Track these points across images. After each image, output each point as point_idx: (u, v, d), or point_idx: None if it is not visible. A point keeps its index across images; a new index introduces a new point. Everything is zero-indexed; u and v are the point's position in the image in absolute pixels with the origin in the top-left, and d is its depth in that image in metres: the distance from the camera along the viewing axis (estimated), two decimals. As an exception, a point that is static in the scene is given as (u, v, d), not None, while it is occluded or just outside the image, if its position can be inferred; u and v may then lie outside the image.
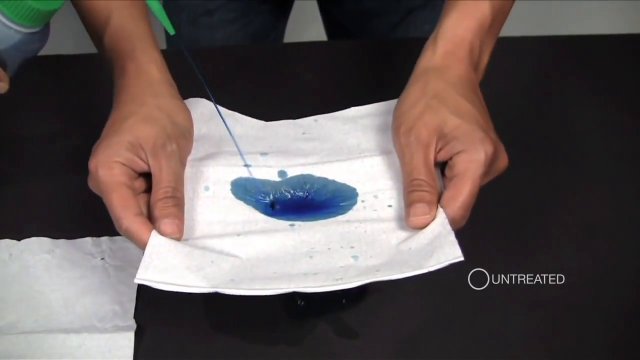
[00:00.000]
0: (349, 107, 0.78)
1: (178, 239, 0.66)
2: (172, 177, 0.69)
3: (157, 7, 0.69)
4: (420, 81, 0.72)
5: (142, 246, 0.66)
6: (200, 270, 0.62)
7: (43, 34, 0.69)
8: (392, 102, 0.74)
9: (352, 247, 0.65)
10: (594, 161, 0.86)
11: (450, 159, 0.68)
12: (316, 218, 0.68)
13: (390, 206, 0.69)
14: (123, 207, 0.67)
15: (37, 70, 0.88)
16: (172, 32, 0.69)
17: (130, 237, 0.67)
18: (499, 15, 0.75)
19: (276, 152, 0.73)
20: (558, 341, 0.70)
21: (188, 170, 0.70)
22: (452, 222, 0.66)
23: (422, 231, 0.65)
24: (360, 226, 0.67)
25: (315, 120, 0.77)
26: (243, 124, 0.77)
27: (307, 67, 0.98)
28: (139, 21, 0.78)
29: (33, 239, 0.82)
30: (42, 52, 0.73)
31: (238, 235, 0.67)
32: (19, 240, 0.82)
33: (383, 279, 0.60)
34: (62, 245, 0.82)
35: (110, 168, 0.68)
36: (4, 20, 0.66)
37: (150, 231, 0.66)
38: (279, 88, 0.95)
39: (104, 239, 0.82)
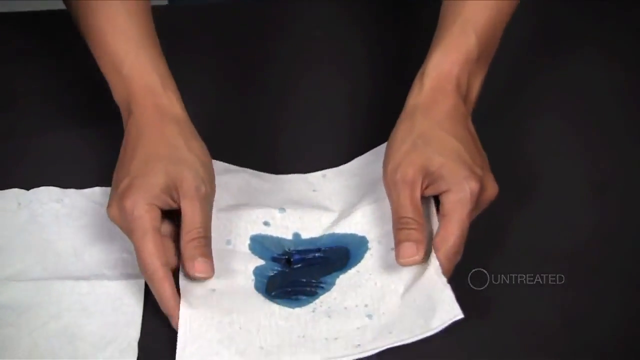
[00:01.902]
0: (358, 65, 0.85)
1: (208, 278, 0.71)
2: (205, 218, 0.72)
3: None
4: (407, 120, 0.74)
5: (158, 295, 0.70)
6: (231, 342, 0.69)
7: None
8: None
9: (366, 306, 0.71)
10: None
11: (439, 197, 0.71)
12: (331, 275, 0.74)
13: (392, 249, 0.73)
14: (155, 254, 0.70)
15: (39, 24, 0.92)
16: None
17: (152, 284, 0.70)
18: (488, 44, 0.77)
19: (292, 211, 0.78)
20: (559, 342, 0.72)
21: (211, 223, 0.74)
22: (448, 262, 0.70)
23: (422, 278, 0.70)
24: (371, 278, 0.73)
25: (324, 176, 0.82)
26: (257, 177, 0.81)
27: (317, 24, 0.99)
28: (160, 57, 0.78)
29: (42, 188, 0.83)
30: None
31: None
32: (27, 189, 0.83)
33: (397, 344, 0.67)
34: (71, 194, 0.83)
35: (147, 211, 0.70)
36: None
37: (171, 283, 0.70)
38: (289, 45, 0.95)
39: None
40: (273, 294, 0.73)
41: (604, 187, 0.83)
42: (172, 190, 0.72)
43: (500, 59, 0.80)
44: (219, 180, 0.76)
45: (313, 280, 0.74)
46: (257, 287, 0.73)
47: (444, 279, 0.69)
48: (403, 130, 0.74)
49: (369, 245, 0.75)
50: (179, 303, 0.70)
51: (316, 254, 0.75)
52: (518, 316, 0.73)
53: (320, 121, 0.89)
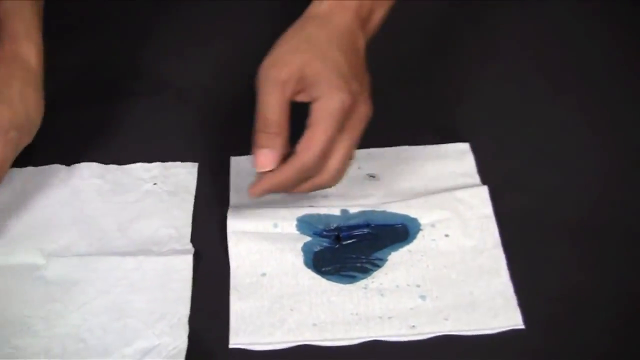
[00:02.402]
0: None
1: None
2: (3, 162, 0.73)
3: None
4: (298, 24, 0.72)
5: None
6: (284, 323, 0.68)
7: None
8: (442, 147, 0.80)
9: (418, 286, 0.70)
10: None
11: (309, 105, 0.69)
12: (382, 251, 0.73)
13: (447, 236, 0.73)
14: None
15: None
16: None
17: None
18: None
19: (337, 195, 0.77)
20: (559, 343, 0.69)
21: (258, 211, 0.74)
22: (301, 171, 0.69)
23: (483, 275, 0.70)
24: (423, 259, 0.72)
25: (369, 154, 0.81)
26: None
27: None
28: (30, 6, 0.79)
29: (82, 164, 0.83)
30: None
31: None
32: (66, 165, 0.82)
33: (452, 333, 0.67)
34: (112, 170, 0.82)
35: None
36: None
37: None
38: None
39: (155, 164, 0.82)
40: (323, 270, 0.72)
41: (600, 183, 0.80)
42: None
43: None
44: None
45: (363, 257, 0.72)
46: (307, 263, 0.72)
47: (512, 291, 0.69)
48: (290, 34, 0.72)
49: (421, 227, 0.74)
50: None
51: (365, 230, 0.74)
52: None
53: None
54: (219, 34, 0.96)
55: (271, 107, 0.69)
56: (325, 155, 0.69)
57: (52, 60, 0.92)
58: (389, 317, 0.68)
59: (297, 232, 0.74)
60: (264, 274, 0.72)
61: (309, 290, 0.71)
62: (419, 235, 0.74)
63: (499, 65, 0.90)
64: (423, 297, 0.70)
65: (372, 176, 0.79)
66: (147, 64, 0.91)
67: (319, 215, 0.75)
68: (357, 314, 0.69)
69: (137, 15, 0.99)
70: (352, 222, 0.75)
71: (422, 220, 0.74)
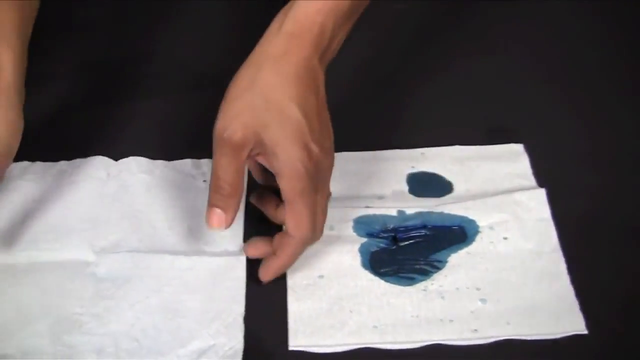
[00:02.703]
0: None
1: None
2: None
3: None
4: (253, 67, 0.68)
5: None
6: (344, 325, 0.68)
7: None
8: (495, 148, 0.80)
9: (478, 289, 0.70)
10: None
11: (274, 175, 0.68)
12: (441, 253, 0.72)
13: (505, 238, 0.73)
14: None
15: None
16: None
17: None
18: (360, 2, 0.71)
19: (392, 195, 0.76)
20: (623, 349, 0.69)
21: None
22: (306, 244, 0.69)
23: (543, 279, 0.70)
24: (482, 262, 0.71)
25: (422, 154, 0.80)
26: (354, 160, 0.80)
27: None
28: (9, 9, 0.73)
29: (130, 158, 0.81)
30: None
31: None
32: (116, 160, 0.81)
33: (514, 337, 0.66)
34: (160, 166, 0.81)
35: None
36: None
37: None
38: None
39: (205, 161, 0.80)
40: (381, 271, 0.71)
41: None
42: None
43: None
44: None
45: (421, 258, 0.72)
46: (364, 265, 0.72)
47: (573, 295, 0.69)
48: (244, 81, 0.68)
49: (480, 229, 0.73)
50: None
51: (422, 231, 0.74)
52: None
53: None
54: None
55: (225, 169, 0.67)
56: (315, 222, 0.69)
57: (99, 55, 0.93)
58: (450, 320, 0.68)
59: (354, 234, 0.74)
60: (321, 276, 0.71)
61: (368, 292, 0.70)
62: (478, 237, 0.73)
63: (549, 64, 0.90)
64: (483, 301, 0.69)
65: None
66: (194, 58, 0.90)
67: (375, 217, 0.75)
68: (417, 317, 0.68)
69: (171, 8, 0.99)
70: (409, 223, 0.74)
71: (480, 223, 0.74)
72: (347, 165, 0.79)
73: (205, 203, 0.72)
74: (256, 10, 0.96)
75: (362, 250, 0.73)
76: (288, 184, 0.67)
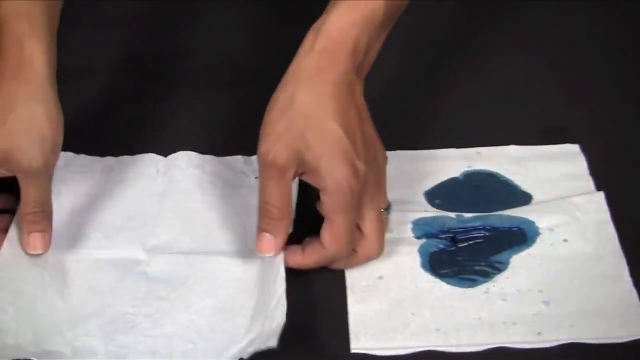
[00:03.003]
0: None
1: (42, 252, 0.70)
2: (39, 192, 0.70)
3: None
4: (288, 87, 0.68)
5: None
6: (406, 327, 0.67)
7: None
8: (551, 148, 0.79)
9: (540, 291, 0.69)
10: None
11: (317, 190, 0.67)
12: (502, 254, 0.72)
13: (565, 240, 0.72)
14: None
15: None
16: None
17: None
18: (396, 7, 0.71)
19: (448, 200, 0.76)
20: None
21: None
22: (330, 259, 0.68)
23: (605, 282, 0.69)
24: (543, 264, 0.71)
25: (478, 153, 0.79)
26: (409, 159, 0.79)
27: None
28: (40, 4, 0.71)
29: (179, 153, 0.79)
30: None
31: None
32: (164, 156, 0.80)
33: (579, 341, 0.66)
34: (211, 161, 0.79)
35: None
36: None
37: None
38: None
39: (256, 157, 0.77)
40: (441, 272, 0.70)
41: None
42: (5, 162, 0.69)
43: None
44: None
45: (482, 260, 0.71)
46: (423, 266, 0.71)
47: (637, 299, 0.68)
48: (282, 102, 0.67)
49: (540, 230, 0.73)
50: None
51: (481, 232, 0.73)
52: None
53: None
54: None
55: (271, 193, 0.67)
56: (351, 240, 0.68)
57: (147, 49, 0.92)
58: (513, 323, 0.67)
59: (412, 235, 0.73)
60: (380, 277, 0.71)
61: (429, 293, 0.70)
62: (538, 239, 0.73)
63: (604, 64, 0.89)
64: (546, 303, 0.69)
65: None
66: (237, 53, 0.90)
67: (434, 218, 0.74)
68: (480, 319, 0.68)
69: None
70: (468, 224, 0.74)
71: (540, 224, 0.73)
72: (403, 164, 0.78)
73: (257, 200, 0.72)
74: (296, 5, 0.96)
75: (422, 251, 0.72)
76: (330, 200, 0.66)
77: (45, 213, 0.70)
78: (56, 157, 0.71)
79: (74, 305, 0.70)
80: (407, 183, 0.78)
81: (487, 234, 0.73)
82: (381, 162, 0.70)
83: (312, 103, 0.67)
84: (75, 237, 0.75)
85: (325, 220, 0.67)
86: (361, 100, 0.69)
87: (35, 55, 0.70)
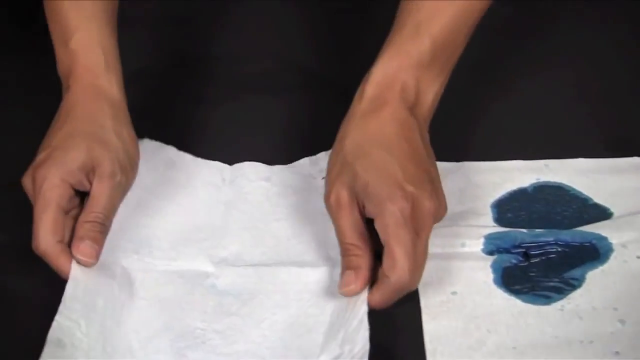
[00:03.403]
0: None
1: (90, 265, 0.68)
2: (109, 206, 0.70)
3: None
4: (340, 134, 0.70)
5: (58, 271, 0.68)
6: (481, 345, 0.67)
7: None
8: (618, 161, 0.79)
9: (615, 309, 0.69)
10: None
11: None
12: (575, 270, 0.72)
13: (639, 257, 0.71)
14: (49, 230, 0.68)
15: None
16: None
17: (47, 259, 0.68)
18: (445, 49, 0.71)
19: (518, 214, 0.76)
20: None
21: (443, 230, 0.72)
22: (402, 289, 0.66)
23: None
24: (617, 281, 0.70)
25: (547, 166, 0.79)
26: (478, 170, 0.79)
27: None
28: (110, 36, 0.76)
29: (246, 163, 0.79)
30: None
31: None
32: (230, 164, 0.79)
33: None
34: (277, 172, 0.79)
35: (57, 186, 0.68)
36: None
37: (69, 259, 0.68)
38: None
39: (321, 155, 0.79)
40: (514, 288, 0.70)
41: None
42: (88, 169, 0.70)
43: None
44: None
45: (555, 276, 0.71)
46: (496, 281, 0.71)
47: None
48: (336, 149, 0.70)
49: (613, 247, 0.73)
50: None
51: (554, 248, 0.73)
52: None
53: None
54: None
55: (345, 233, 0.68)
56: (415, 265, 0.66)
57: (208, 53, 0.91)
58: (590, 342, 0.67)
59: (484, 250, 0.73)
60: (454, 292, 0.70)
61: (503, 310, 0.69)
62: (612, 256, 0.72)
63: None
64: (622, 322, 0.68)
65: None
66: (299, 57, 0.89)
67: (506, 233, 0.74)
68: (556, 337, 0.68)
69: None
70: (540, 239, 0.74)
71: (613, 240, 0.73)
72: (471, 176, 0.78)
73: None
74: (360, 10, 0.95)
75: (495, 266, 0.72)
76: (382, 224, 0.66)
77: (103, 227, 0.70)
78: (134, 176, 0.74)
79: (143, 321, 0.69)
80: (476, 195, 0.77)
81: (559, 249, 0.73)
82: (435, 196, 0.68)
83: (360, 140, 0.69)
84: (141, 241, 0.73)
85: (384, 252, 0.66)
86: (417, 136, 0.69)
87: (111, 88, 0.74)
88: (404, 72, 0.70)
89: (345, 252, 0.68)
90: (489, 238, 0.73)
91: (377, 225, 0.66)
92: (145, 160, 0.77)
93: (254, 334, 0.68)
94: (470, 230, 0.74)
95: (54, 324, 0.65)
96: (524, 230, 0.74)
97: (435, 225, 0.72)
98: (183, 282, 0.71)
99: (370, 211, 0.67)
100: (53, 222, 0.68)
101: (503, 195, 0.77)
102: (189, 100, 0.87)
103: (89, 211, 0.69)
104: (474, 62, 0.85)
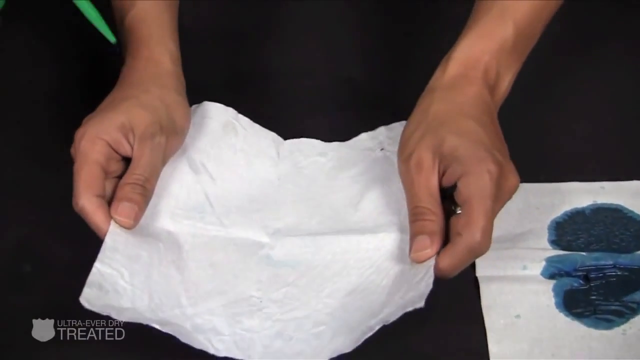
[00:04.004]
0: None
1: (129, 227, 0.68)
2: (149, 167, 0.70)
3: (93, 15, 0.69)
4: (423, 103, 0.70)
5: (95, 228, 0.68)
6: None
7: None
8: None
9: None
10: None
11: (456, 184, 0.66)
12: (636, 293, 0.73)
13: None
14: (86, 184, 0.67)
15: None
16: (112, 40, 0.71)
17: (84, 216, 0.68)
18: (525, 36, 0.72)
19: (577, 236, 0.77)
20: None
21: (505, 253, 0.74)
22: (472, 251, 0.65)
23: None
24: None
25: (602, 187, 0.80)
26: (535, 192, 0.80)
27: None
28: (164, 10, 0.78)
29: (302, 139, 0.79)
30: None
31: None
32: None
33: None
34: (334, 147, 0.78)
35: (93, 142, 0.68)
36: None
37: (106, 215, 0.67)
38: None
39: (380, 129, 0.79)
40: (576, 312, 0.71)
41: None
42: (127, 131, 0.70)
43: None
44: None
45: (616, 299, 0.73)
46: (558, 304, 0.72)
47: None
48: (418, 115, 0.70)
49: None
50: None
51: (614, 271, 0.74)
52: None
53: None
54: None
55: (421, 196, 0.67)
56: (490, 231, 0.66)
57: (239, 67, 0.91)
58: None
59: (546, 273, 0.75)
60: (518, 316, 0.72)
61: (567, 334, 0.71)
62: None
63: None
64: None
65: None
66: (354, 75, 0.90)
67: (566, 256, 0.76)
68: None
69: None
70: (600, 262, 0.75)
71: None
72: (529, 198, 0.80)
73: (385, 170, 0.73)
74: (415, 29, 0.96)
75: (556, 289, 0.73)
76: (468, 182, 0.65)
77: (144, 190, 0.69)
78: (178, 143, 0.74)
79: (193, 281, 0.67)
80: (535, 217, 0.79)
81: (619, 272, 0.74)
82: (516, 180, 0.68)
83: (447, 109, 0.68)
84: (192, 206, 0.72)
85: (461, 209, 0.66)
86: (497, 122, 0.70)
87: (163, 59, 0.75)
88: (488, 54, 0.70)
89: (418, 216, 0.66)
90: (550, 261, 0.75)
91: (461, 184, 0.65)
92: (202, 123, 0.77)
93: (314, 302, 0.66)
94: (531, 253, 0.75)
95: (94, 269, 0.64)
96: (584, 253, 0.75)
97: (496, 247, 0.73)
98: (235, 250, 0.70)
99: (456, 172, 0.66)
100: (89, 176, 0.67)
101: (561, 217, 0.79)
102: (245, 115, 0.88)
103: (130, 173, 0.70)
104: (530, 81, 0.86)
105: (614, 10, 0.95)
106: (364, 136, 0.78)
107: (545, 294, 0.73)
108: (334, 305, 0.66)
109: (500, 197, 0.66)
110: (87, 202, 0.67)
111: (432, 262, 0.65)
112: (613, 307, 0.72)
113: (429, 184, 0.67)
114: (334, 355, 0.62)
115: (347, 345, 0.62)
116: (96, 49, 0.85)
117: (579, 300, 0.73)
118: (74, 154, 0.70)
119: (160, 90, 0.73)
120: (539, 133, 0.85)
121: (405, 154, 0.68)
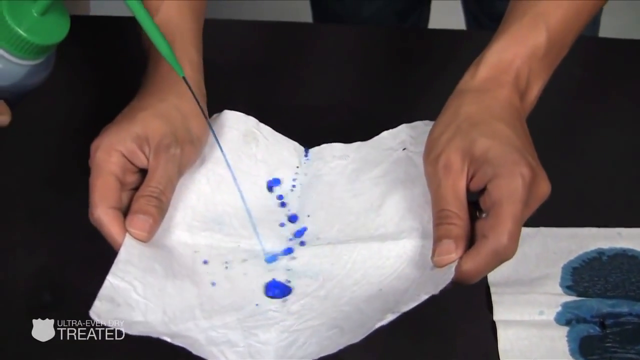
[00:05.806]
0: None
1: (144, 240, 0.67)
2: (164, 179, 0.69)
3: (166, 51, 0.66)
4: (453, 105, 0.69)
5: (110, 240, 0.67)
6: None
7: (48, 61, 0.66)
8: None
9: None
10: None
11: (485, 187, 0.64)
12: None
13: None
14: (102, 196, 0.67)
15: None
16: (180, 74, 0.67)
17: (100, 227, 0.67)
18: (557, 44, 0.71)
19: (593, 282, 0.77)
20: None
21: (522, 297, 0.75)
22: (497, 254, 0.62)
23: None
24: None
25: (619, 233, 0.80)
26: (552, 236, 0.80)
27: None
28: (186, 18, 0.77)
29: (324, 145, 0.78)
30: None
31: None
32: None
33: None
34: (355, 148, 0.76)
35: (108, 154, 0.68)
36: (8, 56, 0.63)
37: (122, 227, 0.66)
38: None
39: (402, 127, 0.76)
40: (593, 359, 0.72)
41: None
42: (143, 142, 0.69)
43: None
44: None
45: (632, 347, 0.74)
46: (574, 352, 0.72)
47: None
48: (447, 116, 0.68)
49: None
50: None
51: (630, 319, 0.75)
52: None
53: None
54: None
55: (448, 199, 0.65)
56: (516, 236, 0.63)
57: (259, 99, 0.92)
58: None
59: (562, 319, 0.75)
60: None
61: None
62: None
63: None
64: None
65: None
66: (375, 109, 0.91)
67: (583, 302, 0.76)
68: None
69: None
70: (616, 309, 0.75)
71: None
72: (547, 242, 0.80)
73: (408, 170, 0.71)
74: (436, 66, 0.96)
75: (572, 335, 0.74)
76: (498, 184, 0.63)
77: (159, 202, 0.68)
78: (195, 153, 0.72)
79: (209, 295, 0.66)
80: (552, 261, 0.79)
81: (635, 319, 0.75)
82: (547, 187, 0.66)
83: (478, 110, 0.67)
84: (211, 218, 0.71)
85: (489, 213, 0.63)
86: (525, 125, 0.68)
87: (182, 62, 0.71)
88: (520, 59, 0.69)
89: (444, 219, 0.64)
90: (566, 307, 0.76)
91: (492, 186, 0.63)
92: (222, 132, 0.75)
93: (330, 311, 0.64)
94: (548, 298, 0.76)
95: (106, 283, 0.63)
96: (600, 300, 0.76)
97: (513, 292, 0.74)
98: (254, 262, 0.69)
99: (487, 174, 0.64)
100: (105, 187, 0.67)
101: (578, 262, 0.79)
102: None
103: (145, 185, 0.69)
104: (549, 126, 0.87)
105: (634, 52, 0.96)
106: (385, 134, 0.76)
107: (560, 340, 0.74)
108: (350, 311, 0.64)
109: (530, 202, 0.64)
110: (103, 214, 0.66)
111: (454, 263, 0.63)
112: (629, 355, 0.73)
113: (457, 187, 0.65)
114: (343, 347, 0.61)
115: (357, 337, 0.61)
116: (119, 74, 0.86)
117: (595, 347, 0.74)
118: (90, 166, 0.69)
119: (177, 99, 0.72)
120: (558, 178, 0.85)
121: (432, 155, 0.67)
